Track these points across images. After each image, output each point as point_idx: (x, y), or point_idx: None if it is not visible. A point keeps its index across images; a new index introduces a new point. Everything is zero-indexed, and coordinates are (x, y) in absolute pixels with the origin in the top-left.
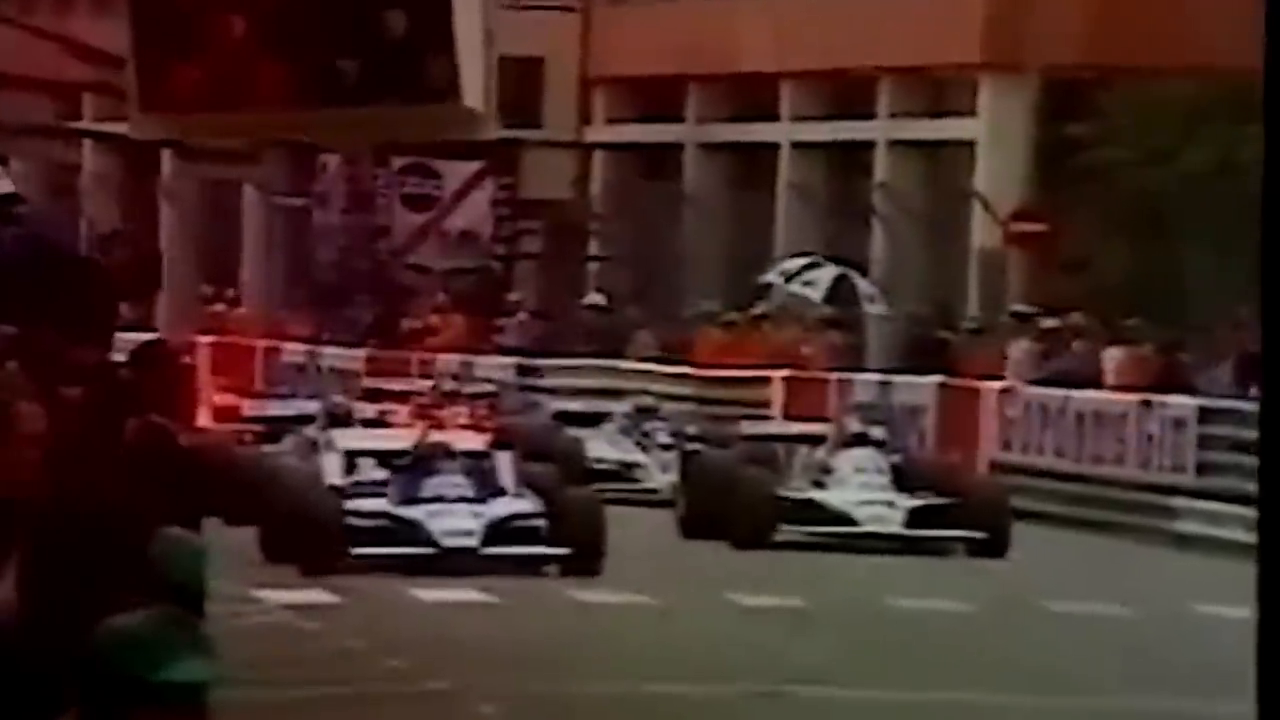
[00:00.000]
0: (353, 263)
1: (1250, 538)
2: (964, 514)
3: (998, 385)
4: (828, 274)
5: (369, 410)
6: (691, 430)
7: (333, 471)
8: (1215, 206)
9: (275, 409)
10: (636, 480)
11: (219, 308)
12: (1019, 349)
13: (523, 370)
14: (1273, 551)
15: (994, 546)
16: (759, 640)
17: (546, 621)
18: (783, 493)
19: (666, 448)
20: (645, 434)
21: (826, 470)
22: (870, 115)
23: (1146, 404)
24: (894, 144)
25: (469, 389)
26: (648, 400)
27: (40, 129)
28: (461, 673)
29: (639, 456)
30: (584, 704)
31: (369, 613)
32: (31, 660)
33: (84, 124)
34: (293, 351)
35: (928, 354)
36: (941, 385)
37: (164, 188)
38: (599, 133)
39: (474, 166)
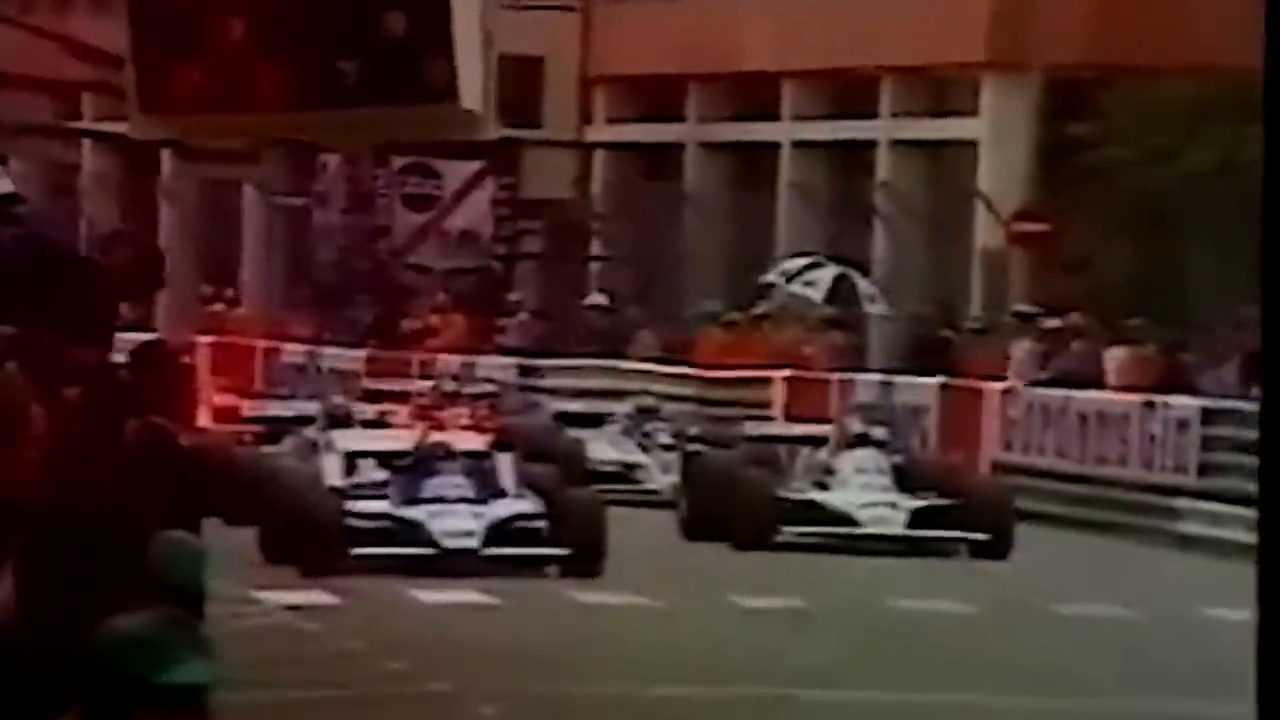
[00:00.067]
0: (353, 263)
1: (1253, 539)
2: (966, 515)
3: (1000, 386)
4: (828, 274)
5: (369, 411)
6: (693, 431)
7: (333, 472)
8: (1217, 206)
9: (275, 410)
10: (638, 481)
11: (219, 308)
12: (1021, 349)
13: (523, 371)
14: (1273, 553)
15: (996, 548)
16: (760, 642)
17: (547, 623)
18: (784, 494)
19: (668, 448)
20: (646, 435)
21: (828, 471)
22: (872, 115)
23: (1149, 405)
24: (896, 143)
25: (469, 389)
26: (649, 401)
27: (40, 129)
28: (462, 674)
29: (640, 457)
30: (585, 705)
31: (369, 614)
32: (31, 660)
33: (84, 124)
34: (293, 352)
35: (930, 354)
36: (943, 386)
37: (164, 187)
38: (599, 132)
39: (474, 166)
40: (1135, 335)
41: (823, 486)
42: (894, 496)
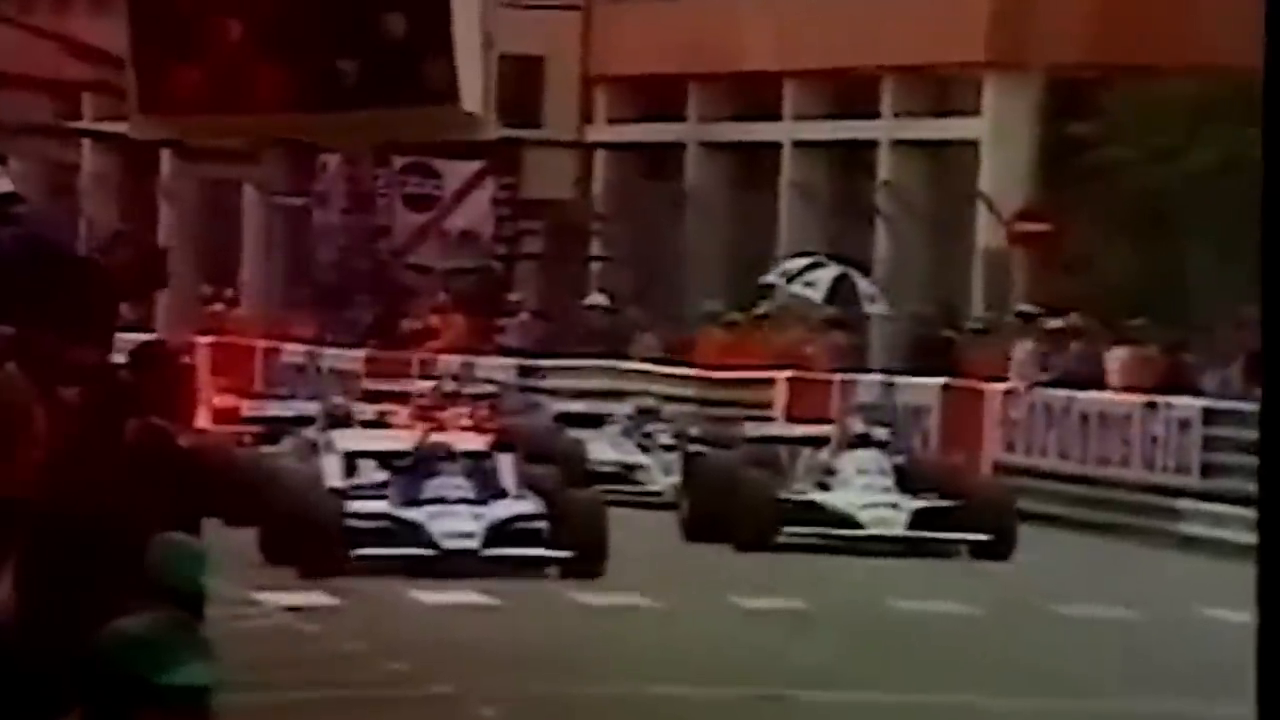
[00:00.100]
0: (353, 263)
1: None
2: (968, 516)
3: (1002, 386)
4: (828, 274)
5: (369, 411)
6: (694, 432)
7: (333, 473)
8: (1219, 205)
9: (275, 410)
10: (638, 482)
11: (218, 308)
12: (1022, 350)
13: (524, 371)
14: (1273, 553)
15: (998, 548)
16: (761, 643)
17: (548, 624)
18: (785, 495)
19: (668, 449)
20: (647, 435)
21: (829, 472)
22: (873, 114)
23: (1151, 405)
24: (897, 143)
25: (470, 390)
26: (650, 401)
27: (39, 128)
28: (462, 675)
29: (641, 458)
30: (585, 706)
31: (369, 615)
32: (31, 660)
33: (83, 124)
34: (293, 352)
35: (931, 354)
36: (945, 386)
37: (163, 187)
38: (600, 132)
39: (475, 166)
40: (1137, 335)
41: (824, 487)
42: (895, 497)
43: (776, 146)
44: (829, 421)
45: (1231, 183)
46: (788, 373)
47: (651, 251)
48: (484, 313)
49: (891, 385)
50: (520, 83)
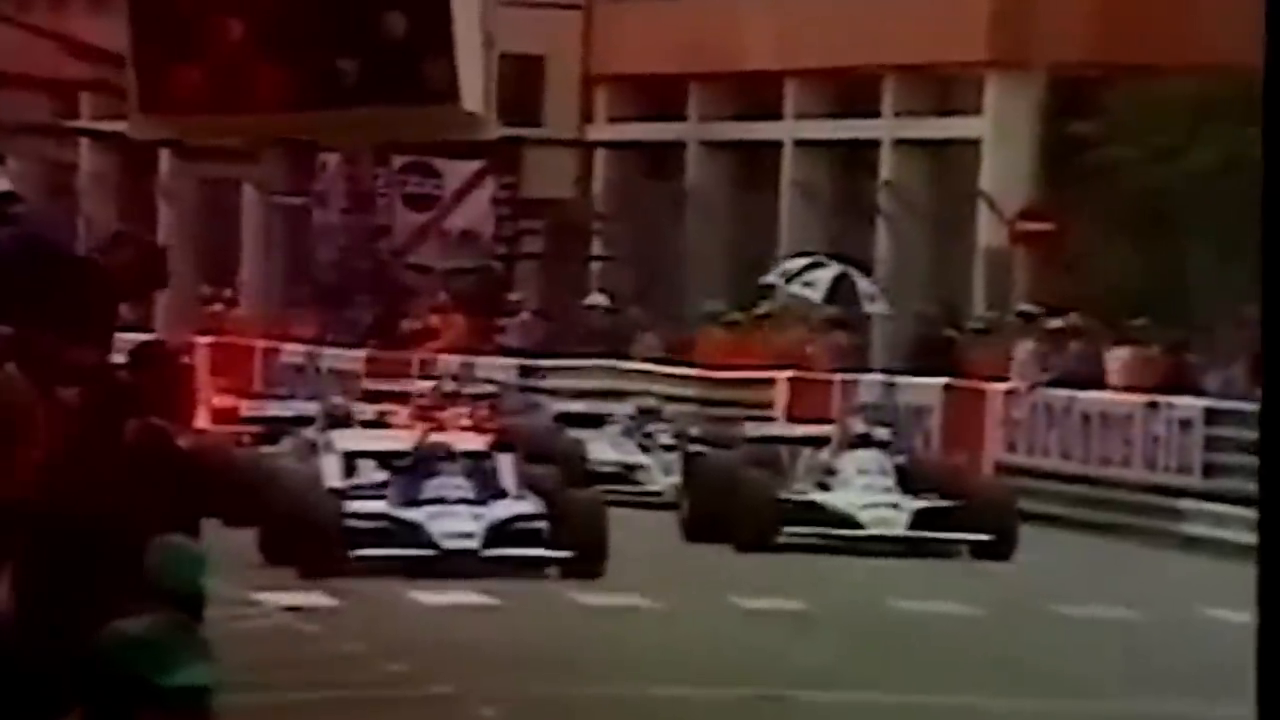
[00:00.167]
0: (353, 262)
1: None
2: (969, 516)
3: (1004, 386)
4: (828, 274)
5: (369, 411)
6: (694, 432)
7: (332, 473)
8: (1221, 205)
9: (274, 410)
10: (639, 482)
11: (217, 308)
12: (1024, 350)
13: (524, 371)
14: (1273, 553)
15: (999, 549)
16: (762, 643)
17: (548, 624)
18: (786, 495)
19: (669, 449)
20: (647, 435)
21: (830, 472)
22: (875, 113)
23: (1153, 405)
24: (899, 142)
25: (470, 390)
26: (650, 402)
27: (38, 128)
28: (462, 676)
29: (641, 458)
30: (586, 707)
31: (369, 615)
32: (30, 660)
33: (82, 123)
34: (292, 352)
35: (933, 354)
36: (947, 386)
37: (162, 187)
38: (601, 131)
39: (475, 165)
40: (1139, 335)
41: (824, 487)
42: (896, 497)
43: (777, 146)
44: (830, 421)
45: (1233, 182)
46: (788, 373)
47: (652, 251)
48: (484, 312)
49: (892, 385)
50: (520, 82)
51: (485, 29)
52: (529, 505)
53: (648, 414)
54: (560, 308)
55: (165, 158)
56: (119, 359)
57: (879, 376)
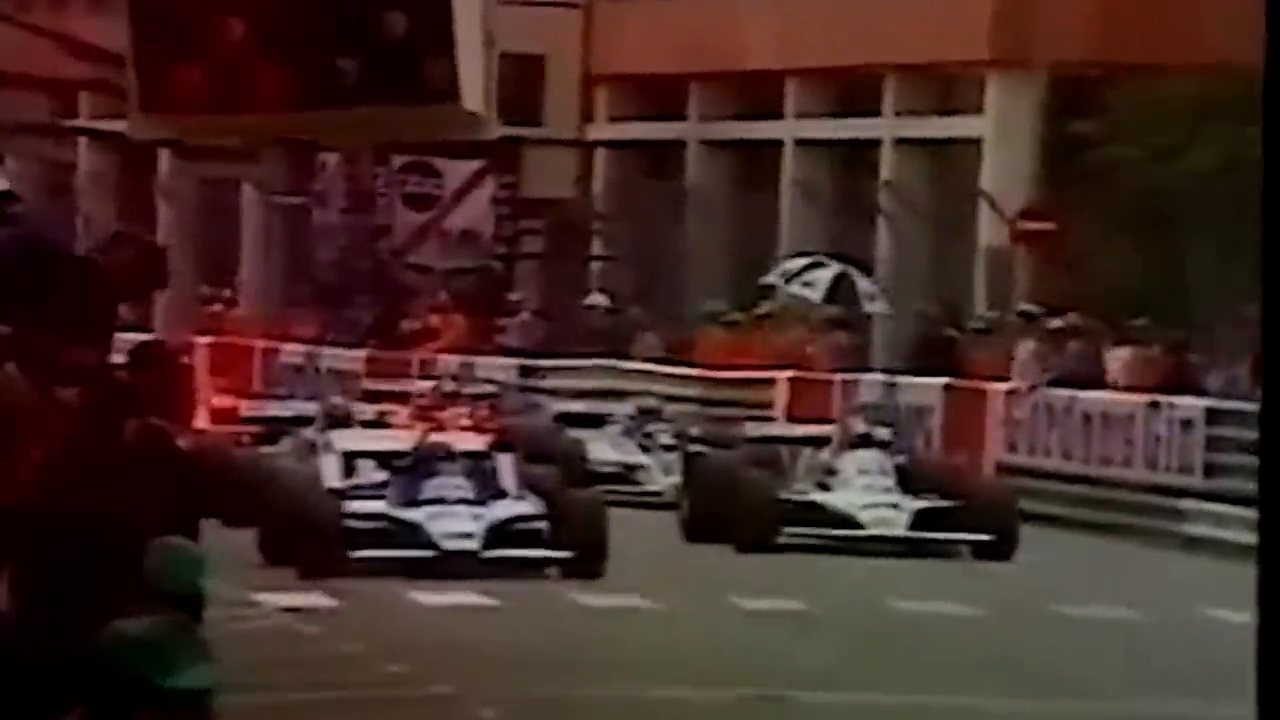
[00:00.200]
0: (352, 262)
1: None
2: (970, 516)
3: (1005, 386)
4: (827, 274)
5: (368, 411)
6: (694, 432)
7: (332, 473)
8: (1222, 204)
9: (274, 410)
10: (639, 482)
11: (217, 308)
12: (1025, 350)
13: (524, 371)
14: (1273, 554)
15: (1000, 549)
16: (762, 644)
17: (548, 625)
18: (786, 495)
19: (669, 449)
20: (648, 435)
21: (830, 472)
22: (876, 113)
23: (1154, 405)
24: (900, 142)
25: (470, 390)
26: (650, 402)
27: (36, 127)
28: (462, 677)
29: (641, 458)
30: (586, 708)
31: (368, 616)
32: (29, 661)
33: (81, 122)
34: (292, 352)
35: (934, 354)
36: (947, 386)
37: (161, 186)
38: (601, 130)
39: (475, 165)
40: (1140, 335)
41: (825, 488)
42: (897, 498)
43: (778, 145)
44: (830, 421)
45: (1235, 181)
46: (789, 372)
47: (652, 251)
48: (484, 312)
49: (893, 385)
50: (521, 81)
51: (486, 28)
52: (529, 505)
53: (648, 414)
54: (560, 308)
55: (165, 157)
56: (118, 359)
57: (879, 376)
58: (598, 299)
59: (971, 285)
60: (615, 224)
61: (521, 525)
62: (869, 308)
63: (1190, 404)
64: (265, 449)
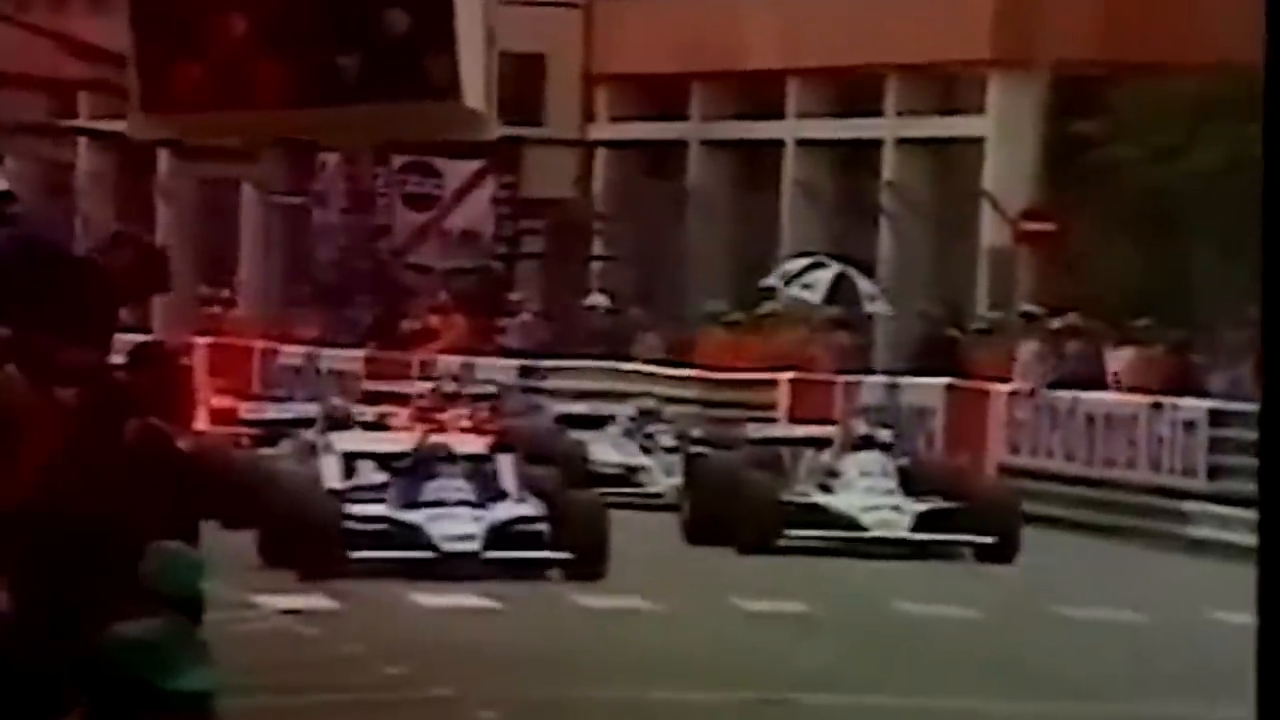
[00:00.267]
0: (352, 262)
1: None
2: (972, 518)
3: (1007, 387)
4: (827, 275)
5: (368, 413)
6: (696, 433)
7: (332, 475)
8: (1225, 204)
9: (273, 412)
10: (640, 484)
11: (216, 309)
12: (1027, 350)
13: (525, 372)
14: (1273, 555)
15: (1002, 551)
16: (764, 646)
17: (549, 626)
18: (788, 497)
19: (670, 451)
20: (649, 437)
21: (832, 474)
22: (877, 113)
23: (1157, 406)
24: (902, 142)
25: (470, 391)
26: (651, 403)
27: (35, 127)
28: (462, 678)
29: (642, 460)
30: (586, 710)
31: (368, 618)
32: (29, 661)
33: (80, 122)
34: (291, 353)
35: (936, 354)
36: (949, 387)
37: (160, 186)
38: (602, 130)
39: (475, 165)
40: (1142, 336)
41: (827, 489)
42: (899, 499)
43: (779, 145)
44: (832, 423)
45: (1238, 181)
46: (790, 374)
47: (653, 251)
48: (484, 313)
49: (895, 386)
50: (521, 81)
51: (487, 24)
52: (529, 507)
53: (649, 415)
54: (561, 308)
55: (164, 158)
56: (117, 360)
57: (881, 378)
58: (598, 299)
59: (973, 286)
60: (616, 224)
61: (522, 527)
62: (870, 308)
63: (1193, 405)
64: (265, 450)
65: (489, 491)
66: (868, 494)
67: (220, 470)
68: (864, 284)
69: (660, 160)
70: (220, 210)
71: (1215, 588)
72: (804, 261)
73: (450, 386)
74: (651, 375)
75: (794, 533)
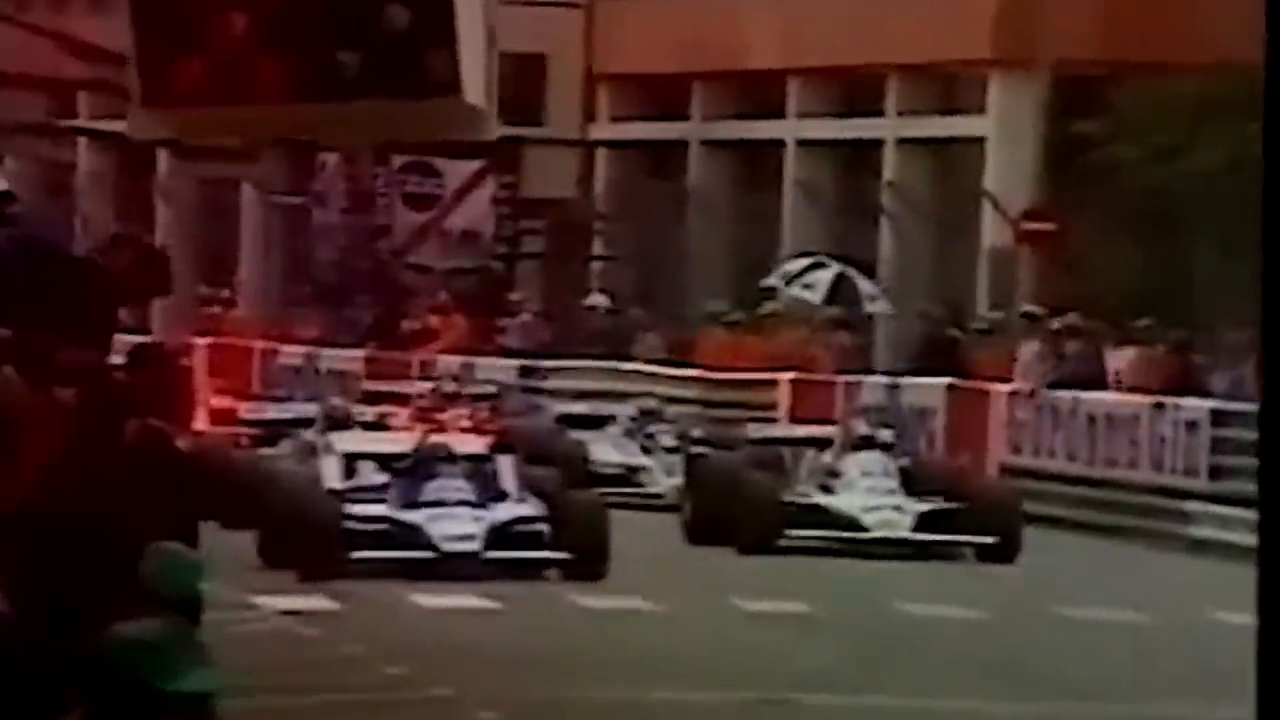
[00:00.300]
0: (352, 262)
1: None
2: (973, 518)
3: (1008, 387)
4: (827, 275)
5: (368, 413)
6: (696, 433)
7: (332, 475)
8: (1226, 204)
9: (273, 412)
10: (640, 484)
11: (216, 309)
12: (1028, 350)
13: (525, 372)
14: (1272, 556)
15: (1004, 551)
16: (765, 646)
17: (549, 627)
18: (789, 497)
19: (671, 451)
20: (649, 437)
21: (833, 474)
22: (878, 112)
23: (1159, 406)
24: (902, 142)
25: (470, 391)
26: (652, 403)
27: (35, 127)
28: (462, 679)
29: (643, 460)
30: (587, 710)
31: (369, 618)
32: (30, 661)
33: (80, 122)
34: (291, 353)
35: (937, 354)
36: (950, 387)
37: (160, 186)
38: (602, 130)
39: (475, 165)
40: (1144, 336)
41: (827, 490)
42: (900, 500)
43: (780, 145)
44: (833, 423)
45: (1238, 181)
46: (791, 374)
47: (654, 251)
48: (485, 313)
49: (896, 387)
50: (522, 81)
51: (488, 22)
52: (530, 507)
53: (649, 415)
54: (561, 308)
55: (164, 157)
56: (117, 360)
57: (882, 378)
58: (599, 299)
59: (974, 286)
60: (616, 224)
61: (522, 527)
62: (870, 308)
63: (1195, 405)
64: (265, 451)
65: (489, 492)
66: (869, 494)
67: (220, 470)
68: (864, 284)
69: (661, 160)
70: (220, 210)
71: (1216, 588)
72: (804, 261)
73: (450, 386)
74: (652, 375)
75: (795, 533)
